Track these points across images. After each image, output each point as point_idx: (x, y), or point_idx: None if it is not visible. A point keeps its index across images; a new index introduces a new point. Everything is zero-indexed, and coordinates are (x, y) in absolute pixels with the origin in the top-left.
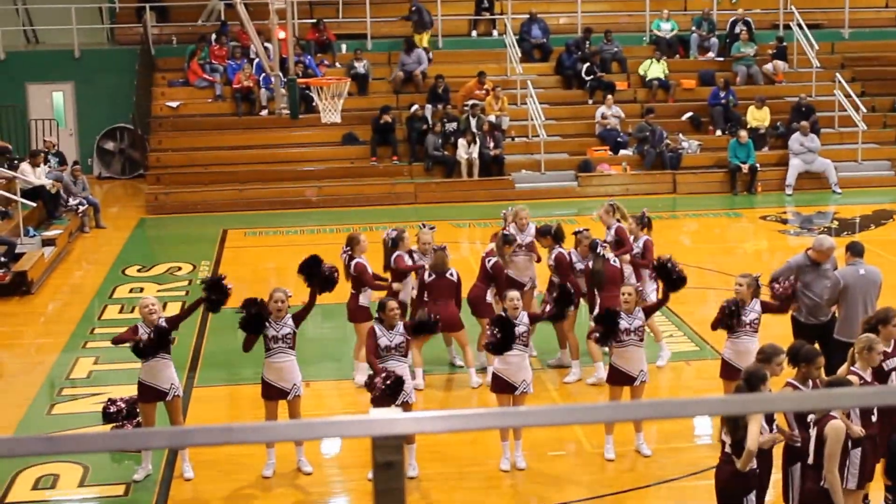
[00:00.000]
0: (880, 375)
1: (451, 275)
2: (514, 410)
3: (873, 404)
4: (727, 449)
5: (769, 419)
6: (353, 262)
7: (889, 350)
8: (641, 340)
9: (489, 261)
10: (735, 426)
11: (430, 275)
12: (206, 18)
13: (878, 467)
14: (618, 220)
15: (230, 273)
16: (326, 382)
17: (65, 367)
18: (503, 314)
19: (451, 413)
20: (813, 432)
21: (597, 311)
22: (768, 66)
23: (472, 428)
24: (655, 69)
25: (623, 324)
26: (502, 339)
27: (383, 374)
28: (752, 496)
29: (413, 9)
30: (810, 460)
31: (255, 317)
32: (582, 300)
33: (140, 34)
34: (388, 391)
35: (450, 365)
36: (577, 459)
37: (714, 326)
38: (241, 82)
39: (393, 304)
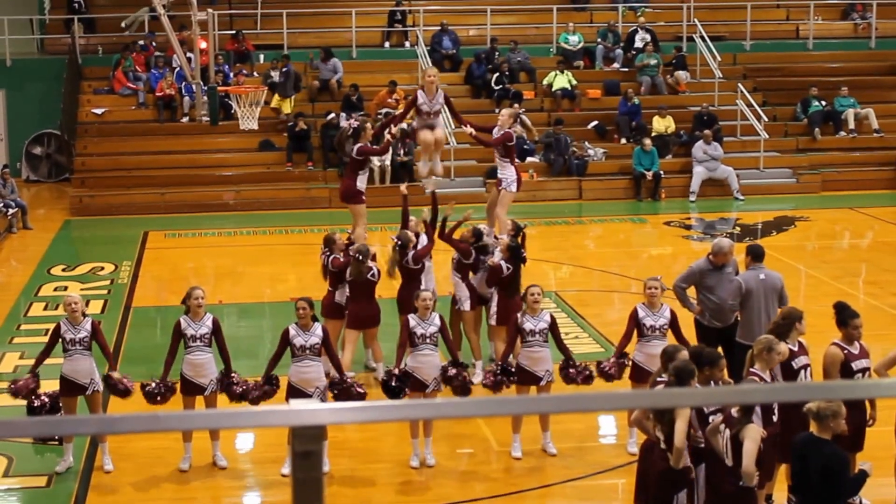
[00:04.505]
0: (789, 374)
1: (372, 275)
2: (427, 402)
3: (780, 400)
4: (662, 445)
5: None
6: (331, 259)
7: (796, 349)
8: (546, 341)
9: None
10: (664, 421)
11: (350, 276)
12: (129, 24)
13: (784, 468)
14: (515, 132)
15: (151, 273)
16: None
17: None
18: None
19: (368, 405)
20: (726, 434)
21: (494, 308)
22: (680, 74)
23: (387, 419)
24: (560, 80)
25: (528, 325)
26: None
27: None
28: (683, 494)
29: (283, 69)
30: (729, 462)
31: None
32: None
33: (68, 44)
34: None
35: (365, 367)
36: (484, 457)
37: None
38: (163, 90)
39: (303, 303)
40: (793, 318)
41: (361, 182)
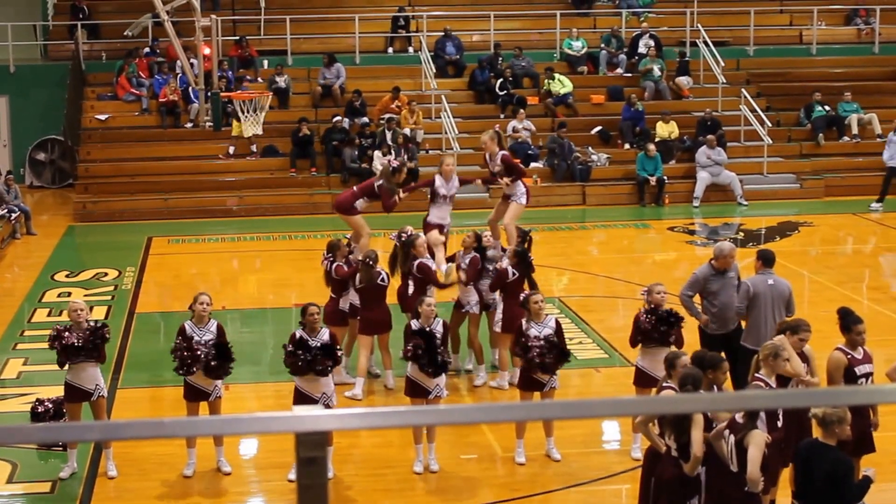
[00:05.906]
0: (783, 382)
1: (382, 280)
2: (431, 409)
3: (784, 406)
4: (673, 453)
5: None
6: (334, 266)
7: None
8: None
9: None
10: (681, 430)
11: (360, 283)
12: (133, 30)
13: (786, 473)
14: (502, 148)
15: (154, 279)
16: (245, 385)
17: None
18: (421, 327)
19: (372, 410)
20: (731, 440)
21: (499, 315)
22: (682, 80)
23: (391, 425)
24: (555, 86)
25: (533, 331)
26: (426, 353)
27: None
28: (696, 500)
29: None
30: (734, 468)
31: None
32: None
33: (71, 50)
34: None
35: (368, 373)
36: (488, 463)
37: (633, 342)
38: (166, 96)
39: (313, 308)
40: (787, 327)
41: (360, 204)
